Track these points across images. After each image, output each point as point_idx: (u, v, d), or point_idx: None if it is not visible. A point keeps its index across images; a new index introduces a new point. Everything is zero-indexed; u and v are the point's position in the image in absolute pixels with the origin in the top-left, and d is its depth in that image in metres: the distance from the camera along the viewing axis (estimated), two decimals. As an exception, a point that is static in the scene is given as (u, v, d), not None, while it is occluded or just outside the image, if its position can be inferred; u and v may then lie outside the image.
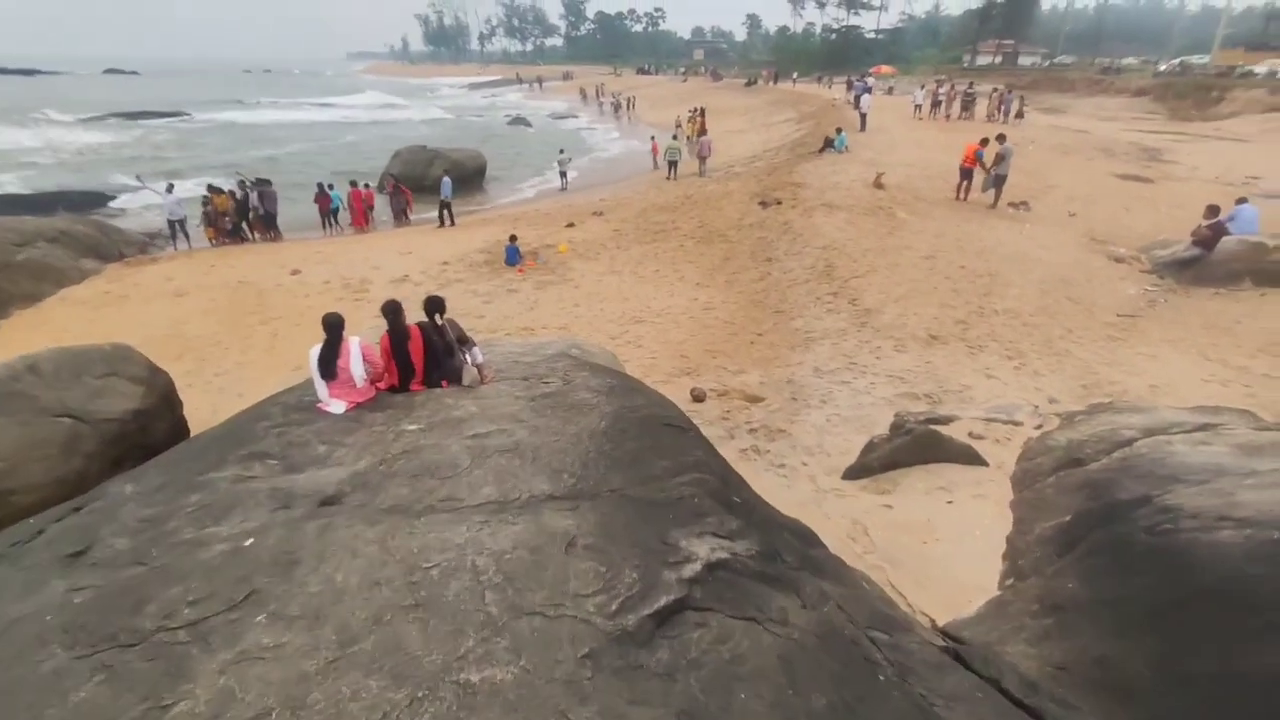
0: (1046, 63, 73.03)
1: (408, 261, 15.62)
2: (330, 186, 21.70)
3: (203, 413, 9.89)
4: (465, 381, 6.86)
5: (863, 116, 28.19)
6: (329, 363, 6.07)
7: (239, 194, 19.95)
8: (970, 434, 7.06)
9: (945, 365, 8.95)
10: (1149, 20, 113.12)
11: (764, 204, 17.54)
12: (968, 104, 32.42)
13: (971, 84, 35.26)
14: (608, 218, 18.74)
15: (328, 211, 21.58)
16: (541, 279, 13.87)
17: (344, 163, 33.10)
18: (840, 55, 79.43)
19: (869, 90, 29.93)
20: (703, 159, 27.17)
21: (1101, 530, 4.63)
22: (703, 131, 31.88)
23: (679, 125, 39.85)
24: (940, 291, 11.54)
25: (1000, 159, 17.13)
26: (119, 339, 12.18)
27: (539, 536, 3.03)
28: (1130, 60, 69.97)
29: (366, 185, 22.74)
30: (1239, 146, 28.90)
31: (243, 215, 20.05)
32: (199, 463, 4.91)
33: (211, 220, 19.33)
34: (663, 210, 18.78)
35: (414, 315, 6.71)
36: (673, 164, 26.90)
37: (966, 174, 17.65)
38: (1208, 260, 12.67)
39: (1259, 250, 12.43)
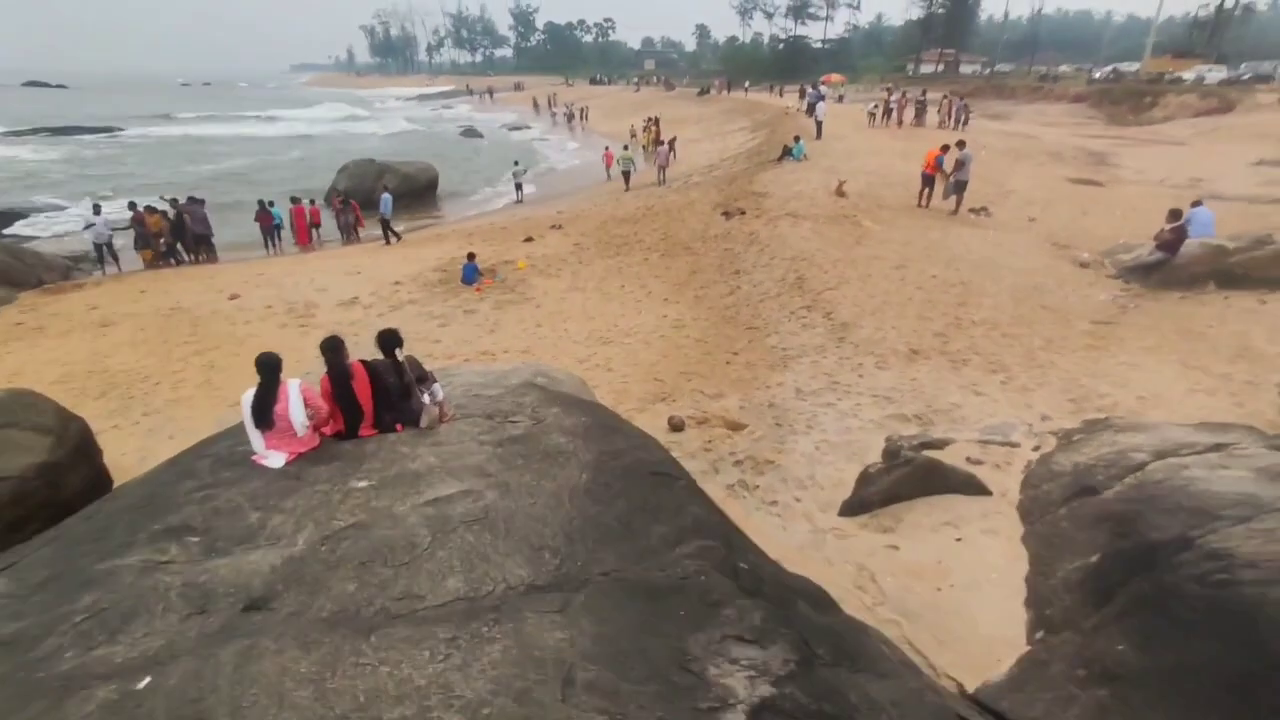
0: (987, 71, 75.05)
1: (356, 282, 14.71)
2: (271, 204, 20.58)
3: (129, 459, 8.95)
4: (423, 422, 6.14)
5: (819, 124, 28.13)
6: (264, 409, 5.30)
7: (170, 213, 18.68)
8: (968, 459, 6.62)
9: (931, 382, 8.54)
10: (1080, 30, 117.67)
11: (727, 214, 17.12)
12: (920, 111, 32.74)
13: (924, 91, 35.60)
14: (567, 231, 18.09)
15: (270, 230, 20.45)
16: (501, 298, 13.14)
17: (288, 179, 31.76)
18: (789, 64, 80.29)
19: (823, 98, 29.85)
20: (662, 168, 26.81)
21: (1142, 579, 4.17)
22: (658, 141, 31.42)
23: (633, 135, 39.66)
24: (915, 303, 11.19)
25: (960, 165, 17.03)
26: (30, 377, 11.10)
27: (525, 668, 2.35)
28: (1065, 68, 72.38)
29: (311, 201, 21.68)
30: (1177, 150, 29.69)
31: (178, 236, 18.81)
32: (102, 542, 4.12)
33: (146, 242, 18.05)
34: (623, 222, 18.21)
35: (365, 347, 5.99)
36: (626, 174, 26.48)
37: (928, 180, 17.52)
38: (1171, 264, 12.64)
39: (1219, 253, 12.43)
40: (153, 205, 19.14)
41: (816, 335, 10.23)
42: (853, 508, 6.11)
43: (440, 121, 63.57)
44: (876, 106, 33.28)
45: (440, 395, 6.37)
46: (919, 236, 15.12)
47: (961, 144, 17.28)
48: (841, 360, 9.31)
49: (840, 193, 18.23)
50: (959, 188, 17.19)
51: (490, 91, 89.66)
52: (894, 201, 18.21)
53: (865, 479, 6.39)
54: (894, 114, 32.28)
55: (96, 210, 18.56)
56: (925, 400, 8.07)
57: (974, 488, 6.06)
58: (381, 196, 20.13)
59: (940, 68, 76.88)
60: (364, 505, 4.34)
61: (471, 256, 14.29)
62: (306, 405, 5.49)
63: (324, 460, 5.31)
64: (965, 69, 76.60)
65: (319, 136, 51.45)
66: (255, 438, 5.36)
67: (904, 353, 9.43)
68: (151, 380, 10.71)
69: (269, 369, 5.40)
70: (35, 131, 49.68)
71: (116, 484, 7.20)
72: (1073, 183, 22.08)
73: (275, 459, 5.35)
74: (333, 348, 5.77)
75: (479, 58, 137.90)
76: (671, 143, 29.72)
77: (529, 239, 17.47)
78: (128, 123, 56.65)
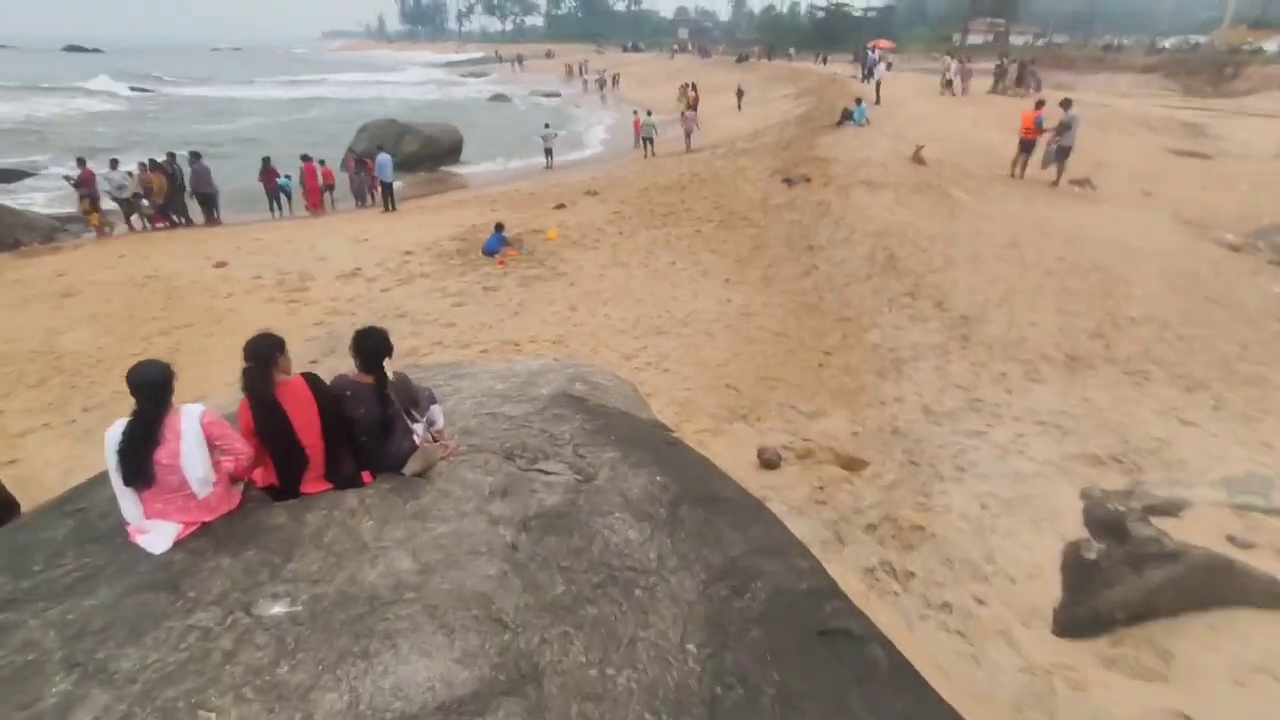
0: (1039, 42, 70.69)
1: (362, 251, 12.54)
2: (270, 162, 18.39)
3: (52, 472, 6.93)
4: (411, 468, 3.94)
5: (877, 86, 25.28)
6: (138, 456, 3.10)
7: (169, 169, 16.60)
8: (1229, 538, 4.29)
9: (1111, 404, 6.17)
10: (1135, 2, 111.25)
11: (789, 181, 14.64)
12: (1001, 76, 29.18)
13: (1002, 57, 32.38)
14: (604, 198, 15.71)
15: (274, 191, 18.33)
16: (527, 273, 10.89)
17: (305, 141, 29.58)
18: (829, 33, 76.29)
19: (880, 61, 26.92)
20: (688, 134, 24.71)
21: None
22: (693, 106, 28.95)
23: (679, 99, 37.06)
24: (1048, 292, 8.75)
25: (1064, 128, 14.35)
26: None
27: None
28: (1125, 40, 67.79)
29: (322, 162, 19.46)
30: (1274, 123, 26.39)
31: (179, 193, 16.75)
32: None
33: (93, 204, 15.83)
34: (668, 189, 15.79)
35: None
36: (648, 140, 25.02)
37: (1026, 147, 14.86)
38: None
39: None
40: (155, 159, 17.12)
41: (931, 331, 7.85)
42: (1077, 624, 3.84)
43: (468, 86, 60.98)
44: (954, 72, 29.90)
45: (439, 421, 4.19)
46: (1022, 210, 12.56)
47: (1067, 103, 14.58)
48: (975, 367, 6.95)
49: (918, 159, 15.64)
50: (1061, 154, 14.52)
51: (520, 59, 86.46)
52: (979, 170, 15.57)
53: (1083, 570, 4.08)
54: (956, 81, 29.16)
55: (114, 165, 16.52)
56: (1115, 432, 5.71)
57: (1276, 598, 3.75)
58: (378, 158, 17.84)
59: (990, 38, 72.62)
60: (269, 660, 2.17)
61: (500, 227, 12.00)
62: (214, 447, 3.29)
63: (235, 543, 3.15)
64: (1016, 40, 72.23)
65: (341, 99, 49.23)
66: (127, 500, 3.17)
67: (1058, 360, 7.04)
68: (103, 365, 8.66)
69: (148, 389, 3.17)
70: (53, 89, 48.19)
71: (29, 506, 4.97)
72: (1176, 154, 19.17)
73: (159, 536, 3.19)
74: (259, 352, 3.55)
75: (509, 26, 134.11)
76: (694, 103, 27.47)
77: (560, 205, 15.15)
78: (155, 84, 54.99)
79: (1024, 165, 15.06)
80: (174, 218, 16.76)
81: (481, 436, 4.52)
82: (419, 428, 4.06)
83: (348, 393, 3.76)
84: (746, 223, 12.57)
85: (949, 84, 29.12)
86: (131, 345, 9.14)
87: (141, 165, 16.71)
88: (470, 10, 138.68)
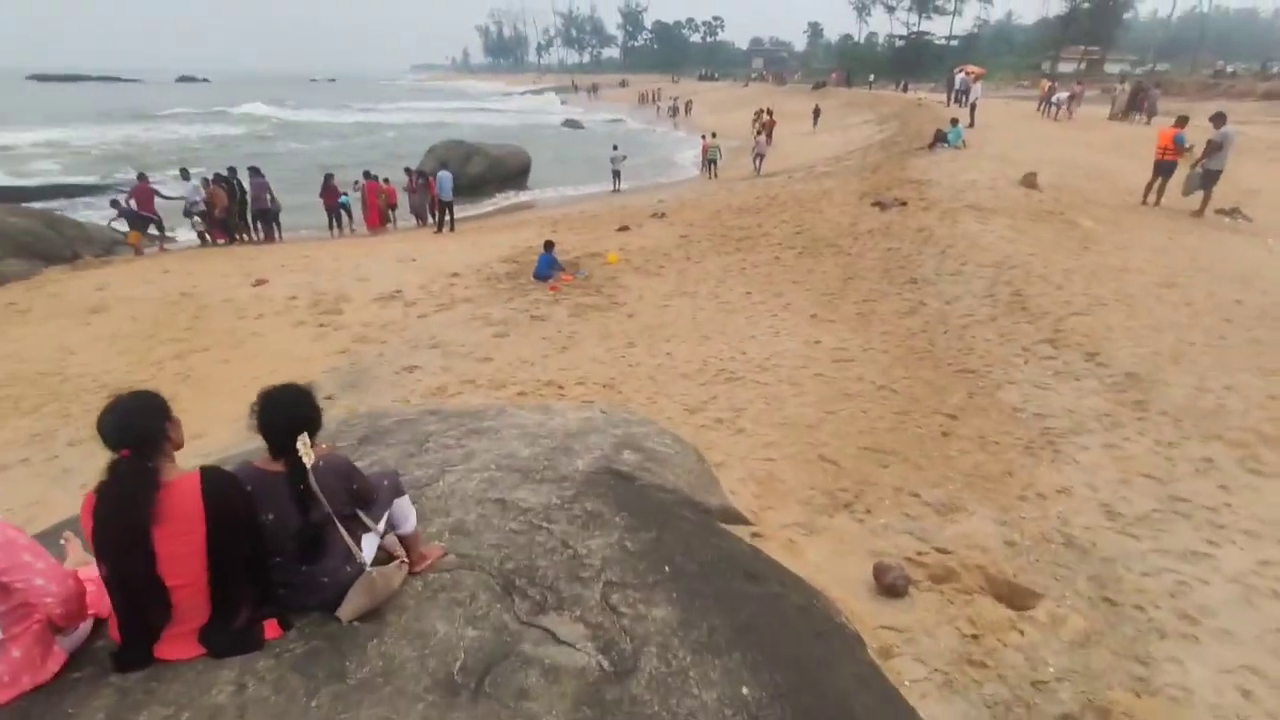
0: (1137, 70, 66.49)
1: (407, 272, 11.45)
2: (332, 178, 17.82)
3: (15, 519, 5.79)
4: (348, 610, 2.42)
5: (972, 109, 23.23)
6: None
7: (229, 184, 16.11)
8: None
9: (1393, 516, 4.22)
10: (1242, 28, 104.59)
11: (881, 205, 12.89)
12: (1140, 102, 26.33)
13: (1124, 80, 29.81)
14: (671, 220, 14.30)
15: (334, 208, 17.71)
16: (582, 300, 9.51)
17: (375, 160, 29.49)
18: (909, 62, 73.93)
19: (974, 83, 24.86)
20: (759, 157, 24.33)
21: None
22: (768, 130, 27.79)
23: (753, 123, 36.07)
24: (1236, 345, 6.76)
25: (1215, 149, 12.15)
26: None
27: None
28: (1233, 67, 62.96)
29: (386, 180, 18.80)
30: None
31: (238, 209, 16.26)
32: None
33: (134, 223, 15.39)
34: (742, 212, 14.26)
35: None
36: (712, 163, 25.07)
37: (1164, 170, 12.68)
38: None
39: None
40: (220, 174, 16.71)
41: (1089, 393, 6.00)
42: None
43: (542, 113, 61.28)
44: (1061, 97, 27.47)
45: (408, 525, 2.72)
46: (1169, 242, 10.45)
47: (1220, 117, 12.39)
48: (1164, 449, 5.08)
49: (1031, 184, 13.63)
50: (1208, 180, 12.28)
51: (595, 87, 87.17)
52: (1105, 197, 13.44)
53: None
54: (1060, 107, 26.72)
55: (185, 176, 16.22)
56: None
57: None
58: (439, 175, 16.91)
59: (1082, 66, 68.84)
60: None
61: (549, 245, 10.70)
62: (10, 582, 1.79)
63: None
64: (1111, 68, 68.16)
65: (419, 124, 49.96)
66: None
67: (1284, 441, 5.10)
68: (104, 392, 7.60)
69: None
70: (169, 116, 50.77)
71: None
72: (1334, 183, 16.44)
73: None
74: (129, 430, 2.11)
75: (586, 57, 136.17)
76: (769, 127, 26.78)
77: (624, 228, 13.81)
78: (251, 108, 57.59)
79: (1161, 191, 12.86)
80: (235, 234, 16.25)
81: (479, 541, 3.09)
82: (370, 539, 2.62)
83: (249, 488, 2.33)
84: (834, 250, 10.88)
85: (1051, 107, 26.76)
86: (141, 371, 8.16)
87: (205, 180, 16.31)
88: (549, 43, 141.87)
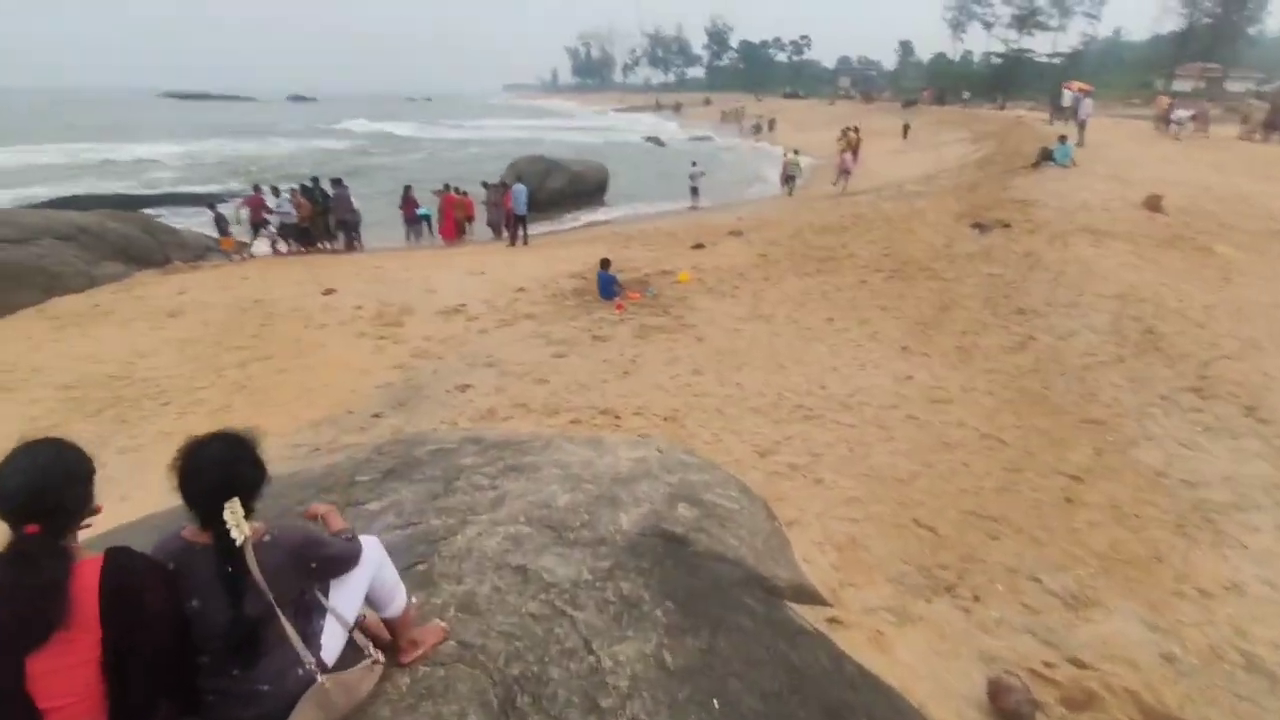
0: (1264, 87, 61.08)
1: (473, 285, 11.14)
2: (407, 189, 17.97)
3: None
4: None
5: (1081, 126, 21.45)
6: None
7: (312, 195, 16.42)
8: None
9: None
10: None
11: (980, 226, 11.75)
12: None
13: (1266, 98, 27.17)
14: (749, 238, 13.54)
15: (413, 219, 17.81)
16: (648, 321, 8.88)
17: (457, 174, 29.97)
18: (1006, 80, 70.56)
19: (1086, 98, 23.02)
20: (845, 174, 23.19)
21: None
22: (854, 148, 26.73)
23: (838, 141, 35.18)
24: None
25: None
26: (45, 377, 8.45)
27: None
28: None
29: (463, 192, 18.83)
30: None
31: (320, 218, 16.56)
32: None
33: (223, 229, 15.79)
34: (825, 231, 13.35)
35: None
36: (791, 179, 24.28)
37: (1321, 191, 11.06)
38: None
39: None
40: (304, 184, 17.11)
41: (1251, 457, 4.89)
42: None
43: (623, 130, 61.57)
44: (1182, 115, 25.32)
45: (396, 609, 2.05)
46: (1333, 276, 8.95)
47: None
48: (1369, 538, 3.97)
49: (1154, 206, 12.17)
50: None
51: (678, 106, 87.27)
52: (1243, 223, 11.81)
53: None
54: (1181, 125, 24.47)
55: (276, 193, 16.73)
56: None
57: None
58: (514, 188, 16.66)
59: (1201, 84, 63.90)
60: None
61: (605, 264, 10.11)
62: None
63: None
64: (1233, 86, 62.88)
65: (505, 140, 51.03)
66: None
67: None
68: (163, 398, 7.55)
69: None
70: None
71: None
72: None
73: None
74: (35, 502, 1.51)
75: (671, 77, 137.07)
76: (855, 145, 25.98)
77: (699, 245, 13.15)
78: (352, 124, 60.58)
79: (1316, 217, 11.22)
80: (317, 242, 16.51)
81: (487, 625, 2.48)
82: (334, 629, 2.02)
83: (171, 566, 1.75)
84: (927, 274, 9.87)
85: (1172, 125, 24.53)
86: (204, 375, 8.04)
87: (293, 190, 16.70)
88: (635, 63, 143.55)
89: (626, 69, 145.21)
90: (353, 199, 16.56)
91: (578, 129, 64.02)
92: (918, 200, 15.70)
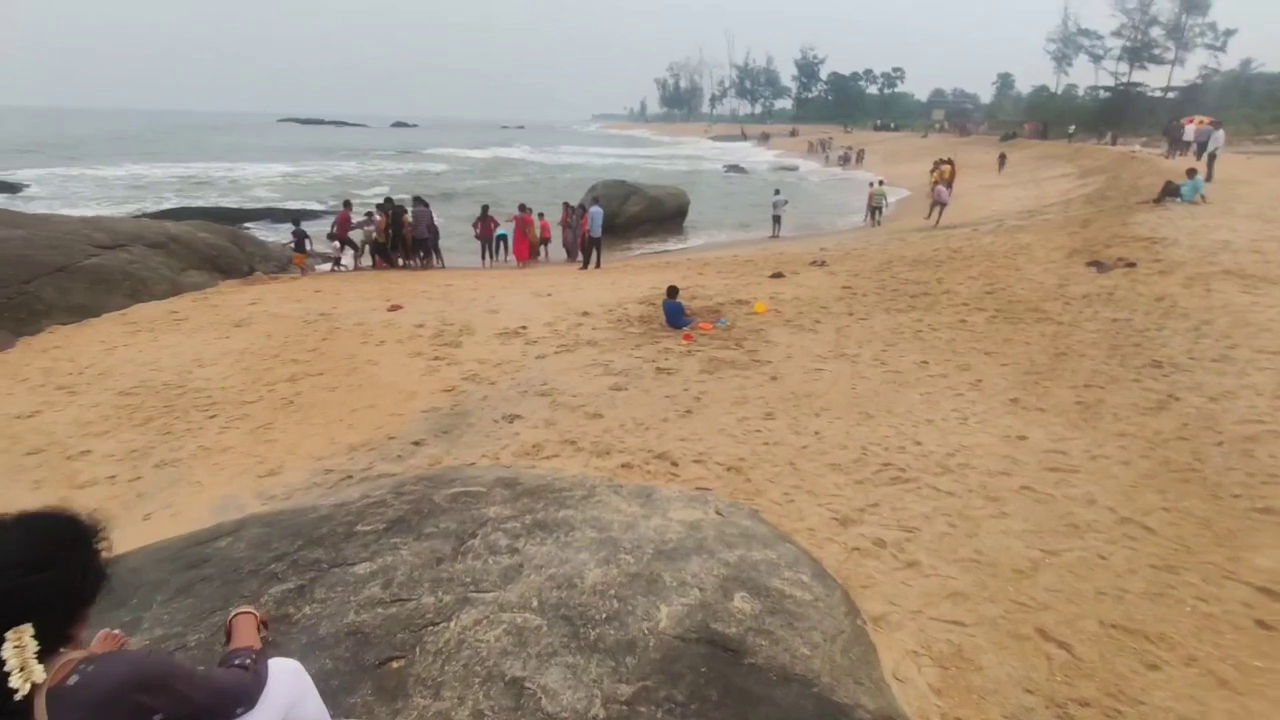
0: None
1: (537, 307, 10.66)
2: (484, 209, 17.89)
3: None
4: None
5: (1210, 160, 19.38)
6: None
7: (378, 215, 16.39)
8: None
9: None
10: None
11: (1098, 265, 10.42)
12: None
13: None
14: (833, 269, 12.57)
15: (489, 239, 17.71)
16: (717, 354, 8.08)
17: (542, 198, 30.20)
18: (1115, 115, 66.42)
19: (1218, 129, 20.91)
20: (942, 205, 22.01)
21: None
22: (947, 181, 25.32)
23: (931, 172, 33.93)
24: None
25: None
26: (110, 380, 8.41)
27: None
28: None
29: (540, 214, 18.65)
30: None
31: (397, 234, 16.62)
32: None
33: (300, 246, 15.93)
34: (918, 265, 12.23)
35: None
36: (877, 209, 24.17)
37: None
38: None
39: None
40: (381, 202, 17.27)
41: None
42: None
43: (707, 159, 61.30)
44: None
45: None
46: None
47: None
48: None
49: (1313, 248, 10.50)
50: None
51: (765, 136, 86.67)
52: None
53: None
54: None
55: (347, 206, 17.08)
56: None
57: None
58: (590, 210, 16.22)
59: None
60: None
61: (672, 292, 9.37)
62: None
63: None
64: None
65: (592, 166, 51.59)
66: None
67: None
68: (212, 409, 7.29)
69: None
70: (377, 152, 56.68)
71: None
72: None
73: None
74: None
75: (759, 108, 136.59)
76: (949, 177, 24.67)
77: (778, 274, 12.27)
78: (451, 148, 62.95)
79: None
80: (391, 259, 16.58)
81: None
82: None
83: None
84: (1037, 316, 8.67)
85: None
86: (253, 390, 7.77)
87: (373, 209, 16.86)
88: (723, 94, 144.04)
89: (714, 100, 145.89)
90: (435, 217, 16.56)
91: (663, 156, 64.28)
92: (1021, 235, 14.31)
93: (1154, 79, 73.75)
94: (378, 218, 15.87)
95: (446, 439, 6.38)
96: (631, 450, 5.79)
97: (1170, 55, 68.91)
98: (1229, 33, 68.38)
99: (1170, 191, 15.86)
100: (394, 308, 10.87)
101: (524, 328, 9.52)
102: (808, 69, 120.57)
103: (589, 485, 4.56)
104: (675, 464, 5.50)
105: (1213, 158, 19.35)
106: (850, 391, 6.81)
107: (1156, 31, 67.83)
